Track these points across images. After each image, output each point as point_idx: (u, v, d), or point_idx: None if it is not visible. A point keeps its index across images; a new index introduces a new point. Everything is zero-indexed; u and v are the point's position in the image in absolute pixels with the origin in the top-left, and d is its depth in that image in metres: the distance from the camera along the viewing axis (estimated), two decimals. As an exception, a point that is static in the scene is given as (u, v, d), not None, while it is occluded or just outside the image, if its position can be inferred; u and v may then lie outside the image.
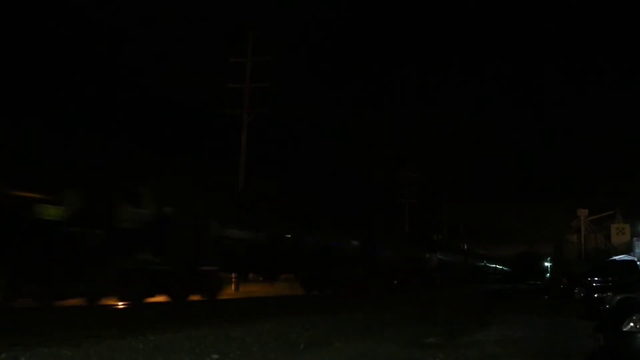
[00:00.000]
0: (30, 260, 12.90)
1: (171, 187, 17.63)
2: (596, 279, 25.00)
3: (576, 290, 24.72)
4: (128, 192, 15.56)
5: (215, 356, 8.29)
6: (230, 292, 23.69)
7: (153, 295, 16.58)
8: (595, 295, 17.29)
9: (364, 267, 30.56)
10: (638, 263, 27.19)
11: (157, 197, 16.29)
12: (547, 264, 75.93)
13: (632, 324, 7.90)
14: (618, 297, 14.72)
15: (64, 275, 13.51)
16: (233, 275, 24.62)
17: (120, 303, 15.63)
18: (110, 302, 15.59)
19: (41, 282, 13.25)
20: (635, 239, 36.48)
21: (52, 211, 13.28)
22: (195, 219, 18.04)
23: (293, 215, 25.92)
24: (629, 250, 35.30)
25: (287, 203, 28.06)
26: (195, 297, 18.20)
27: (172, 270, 16.77)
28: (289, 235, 24.28)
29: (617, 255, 34.29)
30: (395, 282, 37.76)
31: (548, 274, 68.92)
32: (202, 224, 18.33)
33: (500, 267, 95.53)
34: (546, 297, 30.32)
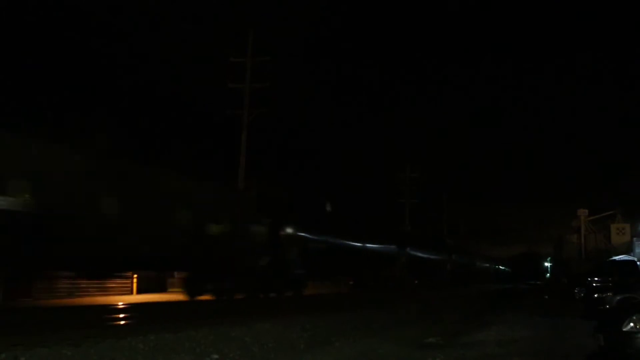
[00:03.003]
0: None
1: (281, 212, 23.62)
2: (596, 279, 24.90)
3: (576, 290, 24.61)
4: (257, 218, 21.68)
5: (215, 356, 8.29)
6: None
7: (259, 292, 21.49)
8: (595, 295, 17.25)
9: (397, 268, 37.75)
10: (638, 263, 27.13)
11: (272, 221, 22.44)
12: (547, 264, 75.78)
13: (632, 324, 7.90)
14: (618, 297, 14.72)
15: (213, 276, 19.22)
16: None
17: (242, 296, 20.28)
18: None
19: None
20: (635, 239, 36.40)
21: (215, 229, 18.85)
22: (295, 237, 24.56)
23: (348, 227, 31.89)
24: (629, 250, 35.23)
25: (343, 217, 33.67)
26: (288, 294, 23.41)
27: (278, 273, 22.29)
28: (346, 244, 30.39)
29: (617, 255, 34.21)
30: (416, 281, 43.03)
31: (548, 274, 68.81)
32: (299, 240, 24.92)
33: (502, 267, 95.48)
34: (546, 297, 30.30)
